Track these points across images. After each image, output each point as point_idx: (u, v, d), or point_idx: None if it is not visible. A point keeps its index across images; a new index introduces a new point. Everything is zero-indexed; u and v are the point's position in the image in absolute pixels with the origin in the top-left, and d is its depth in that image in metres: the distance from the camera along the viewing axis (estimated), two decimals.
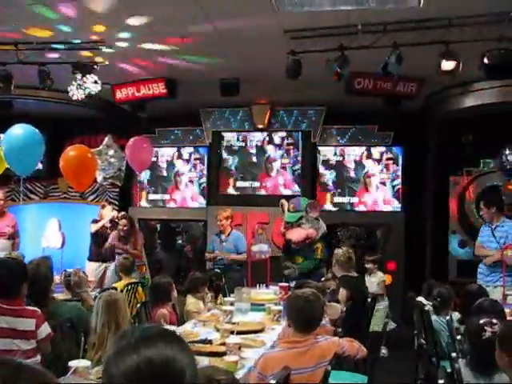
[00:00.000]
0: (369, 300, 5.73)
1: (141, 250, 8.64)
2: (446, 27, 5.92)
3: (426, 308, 5.37)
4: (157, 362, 1.31)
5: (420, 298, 5.91)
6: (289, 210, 7.66)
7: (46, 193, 11.09)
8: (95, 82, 7.31)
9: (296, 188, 10.26)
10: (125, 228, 8.27)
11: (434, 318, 5.20)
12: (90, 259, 8.92)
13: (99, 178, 7.63)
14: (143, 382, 1.29)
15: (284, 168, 10.40)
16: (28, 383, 0.82)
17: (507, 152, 7.00)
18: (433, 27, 5.95)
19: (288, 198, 8.82)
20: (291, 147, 10.38)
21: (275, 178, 10.39)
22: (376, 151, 10.21)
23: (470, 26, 5.80)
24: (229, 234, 8.03)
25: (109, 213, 8.99)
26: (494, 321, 3.44)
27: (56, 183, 10.89)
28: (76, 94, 7.33)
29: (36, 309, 3.71)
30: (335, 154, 10.35)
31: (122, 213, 8.85)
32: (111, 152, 7.65)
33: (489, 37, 5.86)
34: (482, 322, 3.45)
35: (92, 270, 8.61)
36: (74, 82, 7.31)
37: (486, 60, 6.09)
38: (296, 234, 7.43)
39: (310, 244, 7.49)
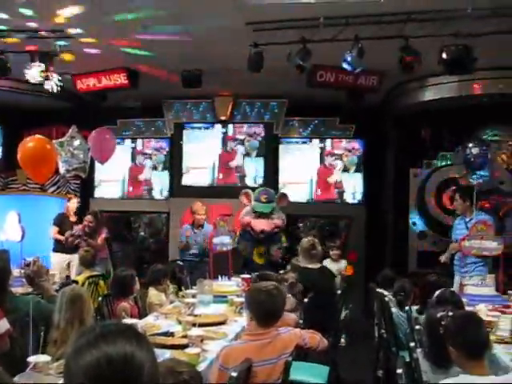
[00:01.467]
0: (339, 292, 5.78)
1: (103, 244, 8.56)
2: (406, 22, 6.00)
3: (386, 299, 5.45)
4: (116, 358, 1.33)
5: (380, 289, 6.00)
6: (260, 201, 7.72)
7: (5, 185, 10.88)
8: (58, 80, 7.23)
9: (259, 179, 10.28)
10: (90, 224, 8.19)
11: (393, 310, 5.28)
12: (54, 250, 8.81)
13: (62, 170, 7.51)
14: (102, 378, 1.32)
15: (246, 159, 10.39)
16: None
17: (471, 145, 7.13)
18: (393, 22, 6.02)
19: (251, 189, 8.85)
20: (253, 139, 10.39)
21: (238, 170, 10.39)
22: (338, 144, 10.29)
23: (428, 22, 5.89)
24: (203, 227, 8.15)
25: (74, 206, 8.92)
26: (451, 314, 3.51)
27: (15, 175, 10.68)
28: (34, 77, 7.19)
29: None
30: (297, 145, 10.40)
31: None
32: (76, 143, 7.53)
33: (446, 32, 5.97)
34: (439, 315, 3.51)
35: (57, 261, 8.52)
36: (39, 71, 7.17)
37: (444, 55, 6.20)
38: (264, 224, 7.51)
39: (276, 233, 7.62)
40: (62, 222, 8.80)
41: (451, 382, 2.79)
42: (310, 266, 6.18)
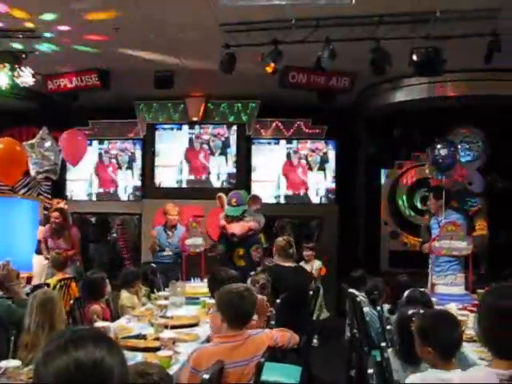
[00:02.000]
0: (311, 292, 5.80)
1: (78, 246, 8.44)
2: (377, 24, 6.06)
3: (358, 299, 5.50)
4: (85, 363, 1.34)
5: (352, 289, 6.04)
6: (231, 205, 7.69)
7: None
8: (32, 76, 7.14)
9: (231, 181, 10.28)
10: (57, 221, 8.06)
11: (366, 309, 5.33)
12: (37, 252, 8.67)
13: (33, 172, 7.41)
14: (72, 383, 1.32)
15: (219, 161, 10.39)
16: None
17: (439, 146, 7.20)
18: (364, 24, 6.08)
19: (223, 190, 8.84)
20: (226, 140, 10.39)
21: (210, 171, 10.38)
22: (309, 145, 10.34)
23: (398, 24, 5.97)
24: (176, 229, 8.08)
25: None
26: (422, 311, 3.56)
27: None
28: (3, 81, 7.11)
29: None
30: (269, 146, 10.42)
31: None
32: (47, 145, 7.44)
33: (417, 35, 6.05)
34: (410, 312, 3.56)
35: (39, 263, 8.38)
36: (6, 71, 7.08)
37: (414, 57, 6.27)
38: (238, 228, 7.50)
39: (252, 235, 7.61)
40: (46, 223, 8.64)
41: (420, 377, 2.83)
42: (285, 264, 6.16)
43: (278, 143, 10.39)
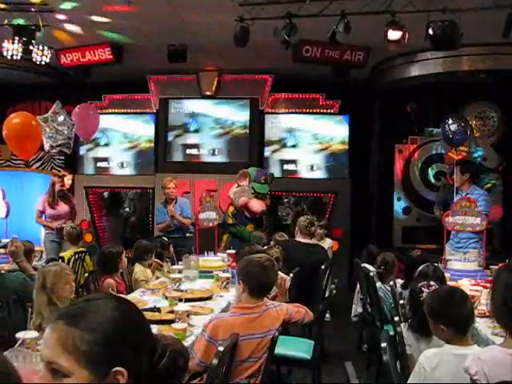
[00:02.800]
0: (323, 267, 5.80)
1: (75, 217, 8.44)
2: None
3: (371, 274, 5.51)
4: None
5: (365, 265, 6.06)
6: (260, 182, 7.72)
7: None
8: (42, 52, 7.16)
9: (244, 155, 10.26)
10: (58, 186, 8.06)
11: (378, 284, 5.34)
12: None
13: (46, 146, 7.41)
14: None
15: (232, 135, 10.37)
16: None
17: (450, 122, 7.13)
18: None
19: (235, 165, 8.84)
20: (238, 114, 10.35)
21: (223, 146, 10.37)
22: (323, 119, 10.28)
23: None
24: (176, 202, 7.98)
25: (69, 182, 8.79)
26: (432, 283, 3.58)
27: None
28: (12, 52, 7.12)
29: None
30: (282, 121, 10.38)
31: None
32: (60, 119, 7.43)
33: (433, 8, 5.96)
34: (419, 284, 3.59)
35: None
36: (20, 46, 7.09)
37: (430, 31, 6.19)
38: (260, 205, 7.55)
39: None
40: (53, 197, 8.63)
41: (436, 352, 2.85)
42: (301, 241, 6.23)
43: (291, 117, 10.34)
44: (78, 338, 1.28)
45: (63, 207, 8.14)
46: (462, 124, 7.20)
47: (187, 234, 7.85)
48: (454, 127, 7.10)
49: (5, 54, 7.24)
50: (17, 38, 7.11)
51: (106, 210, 11.22)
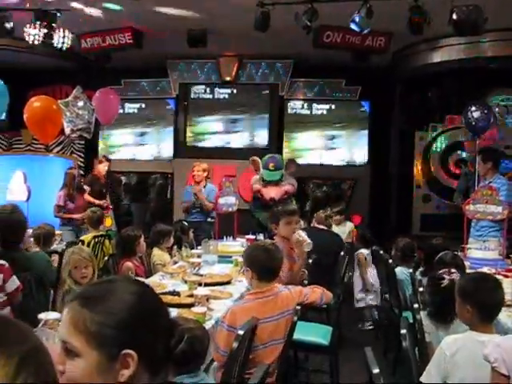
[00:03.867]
0: (342, 253, 5.79)
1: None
2: None
3: (390, 261, 5.49)
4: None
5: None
6: (268, 169, 7.69)
7: (9, 145, 10.88)
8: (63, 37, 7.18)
9: (263, 141, 10.25)
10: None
11: (399, 269, 5.33)
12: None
13: (67, 131, 7.45)
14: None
15: (251, 121, 10.36)
16: (2, 337, 0.83)
17: (473, 109, 7.04)
18: None
19: (255, 151, 8.83)
20: (258, 100, 10.33)
21: (242, 131, 10.36)
22: (343, 105, 10.22)
23: None
24: (204, 187, 8.04)
25: (105, 168, 8.80)
26: (453, 270, 3.56)
27: (19, 135, 10.68)
28: (33, 36, 7.15)
29: (3, 262, 3.65)
30: (302, 107, 10.34)
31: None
32: (80, 104, 7.46)
33: None
34: (440, 271, 3.57)
35: None
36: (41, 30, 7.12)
37: (454, 16, 6.10)
38: (275, 192, 7.52)
39: (286, 199, 7.63)
40: (92, 183, 8.63)
41: (456, 338, 2.85)
42: (318, 226, 6.32)
43: (311, 103, 10.29)
44: (88, 319, 1.29)
45: (80, 200, 8.20)
46: (485, 111, 7.12)
47: (208, 219, 7.87)
48: (476, 114, 7.02)
49: (26, 38, 7.28)
50: (38, 22, 7.13)
51: (125, 195, 11.26)
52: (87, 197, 8.40)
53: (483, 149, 7.37)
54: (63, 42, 7.50)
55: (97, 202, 8.34)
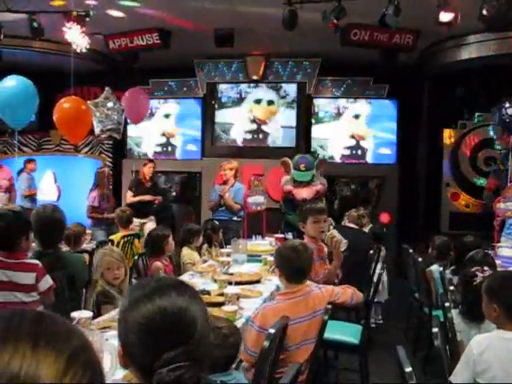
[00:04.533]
0: (371, 252, 5.77)
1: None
2: None
3: (420, 259, 5.46)
4: (170, 311, 1.38)
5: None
6: (299, 169, 7.68)
7: (39, 145, 11.04)
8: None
9: (291, 139, 10.25)
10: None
11: (434, 267, 5.31)
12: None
13: (97, 131, 7.53)
14: (156, 331, 1.37)
15: (279, 120, 10.36)
16: (52, 334, 0.85)
17: (507, 105, 6.93)
18: None
19: (283, 150, 8.83)
20: (286, 99, 10.33)
21: (270, 130, 10.37)
22: (371, 103, 10.18)
23: None
24: (232, 186, 8.07)
25: (150, 170, 8.64)
26: (486, 268, 3.53)
27: (48, 136, 10.83)
28: (74, 38, 7.24)
29: (36, 262, 3.70)
30: (330, 105, 10.32)
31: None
32: (110, 104, 7.54)
33: None
34: (473, 269, 3.54)
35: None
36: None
37: (484, 11, 6.02)
38: (307, 192, 7.51)
39: (317, 198, 7.62)
40: (136, 186, 8.56)
41: (484, 337, 2.83)
42: (348, 225, 6.36)
43: (338, 102, 10.26)
44: None
45: (112, 199, 8.30)
46: None
47: (234, 218, 7.88)
48: (510, 111, 6.91)
49: (68, 39, 7.32)
50: (74, 24, 7.19)
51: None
52: (131, 198, 8.41)
53: None
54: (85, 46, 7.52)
55: (147, 198, 8.42)
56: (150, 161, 9.04)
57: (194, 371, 1.33)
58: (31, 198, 9.11)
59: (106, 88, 7.71)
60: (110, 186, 8.56)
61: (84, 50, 7.39)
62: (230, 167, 7.97)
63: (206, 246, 6.18)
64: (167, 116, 10.90)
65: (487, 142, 9.39)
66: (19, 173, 9.28)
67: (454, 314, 3.59)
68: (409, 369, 2.23)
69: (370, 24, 7.33)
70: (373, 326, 6.55)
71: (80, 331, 0.90)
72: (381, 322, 6.77)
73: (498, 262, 5.01)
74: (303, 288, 3.47)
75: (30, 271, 3.64)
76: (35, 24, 7.24)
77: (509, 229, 6.50)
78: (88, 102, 7.51)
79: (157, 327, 1.37)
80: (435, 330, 2.92)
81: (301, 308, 3.38)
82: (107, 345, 2.52)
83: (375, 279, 5.23)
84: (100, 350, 2.35)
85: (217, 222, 7.16)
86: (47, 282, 3.68)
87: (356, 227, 6.47)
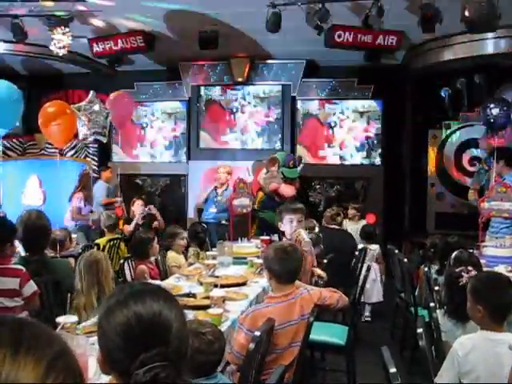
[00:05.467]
0: (357, 252, 5.78)
1: None
2: None
3: (405, 260, 5.49)
4: (145, 316, 1.40)
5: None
6: (288, 167, 7.69)
7: (24, 149, 10.96)
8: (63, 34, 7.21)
9: (276, 141, 10.26)
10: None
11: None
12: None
13: (81, 135, 7.49)
14: (133, 336, 1.39)
15: (263, 122, 10.37)
16: (31, 340, 0.85)
17: (492, 106, 6.96)
18: None
19: (268, 152, 8.83)
20: (270, 101, 10.34)
21: (255, 132, 10.38)
22: (356, 104, 10.21)
23: None
24: (226, 189, 8.12)
25: (139, 208, 8.32)
26: (470, 268, 3.55)
27: (33, 139, 10.76)
28: (56, 50, 7.22)
29: (20, 267, 3.69)
30: (315, 107, 10.34)
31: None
32: (95, 108, 7.51)
33: None
34: (458, 269, 3.56)
35: None
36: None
37: (466, 12, 6.05)
38: (290, 189, 7.52)
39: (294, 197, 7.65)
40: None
41: (469, 337, 2.85)
42: (330, 226, 6.38)
43: (323, 103, 10.29)
44: None
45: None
46: (505, 108, 7.02)
47: (223, 222, 7.91)
48: (495, 111, 6.94)
49: (53, 48, 7.30)
50: (55, 28, 7.17)
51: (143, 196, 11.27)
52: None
53: (497, 148, 7.36)
54: (62, 47, 7.48)
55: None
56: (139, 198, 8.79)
57: (169, 371, 1.35)
58: (107, 206, 8.93)
59: (91, 91, 7.67)
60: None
61: (65, 53, 7.35)
62: (226, 171, 8.08)
63: (191, 248, 6.17)
64: (153, 119, 10.88)
65: (471, 142, 9.44)
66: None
67: (440, 314, 3.61)
68: (393, 369, 2.24)
69: (353, 25, 7.35)
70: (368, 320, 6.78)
71: (60, 337, 0.90)
72: (369, 319, 6.88)
73: (482, 261, 5.03)
74: (293, 290, 3.47)
75: (13, 276, 3.62)
76: (19, 28, 7.19)
77: (492, 227, 6.54)
78: (72, 105, 7.47)
79: (133, 332, 1.39)
80: (420, 330, 2.93)
81: (291, 311, 3.38)
82: (93, 349, 2.51)
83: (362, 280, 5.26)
84: (85, 354, 2.34)
85: (205, 225, 7.19)
86: (31, 287, 3.67)
87: (336, 227, 6.48)
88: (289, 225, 4.93)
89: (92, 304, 3.73)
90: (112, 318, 1.41)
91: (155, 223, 8.33)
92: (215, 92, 10.52)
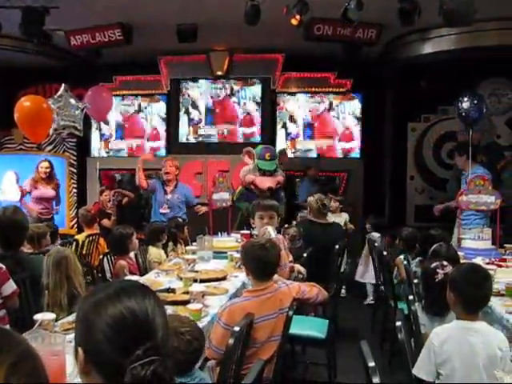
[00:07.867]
0: (337, 246, 5.76)
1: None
2: None
3: (384, 253, 5.50)
4: (138, 312, 1.39)
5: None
6: (265, 159, 7.65)
7: (1, 144, 10.83)
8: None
9: (255, 135, 10.25)
10: (47, 170, 8.09)
11: (403, 256, 5.38)
12: None
13: (51, 130, 7.38)
14: (126, 330, 1.37)
15: (243, 115, 10.34)
16: (3, 348, 0.83)
17: (464, 99, 7.01)
18: None
19: (248, 145, 8.79)
20: (250, 94, 10.32)
21: (235, 126, 10.34)
22: (335, 98, 10.22)
23: None
24: (175, 186, 7.81)
25: (108, 198, 8.67)
26: (445, 263, 3.58)
27: (10, 134, 10.63)
28: None
29: (0, 265, 3.64)
30: (294, 100, 10.33)
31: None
32: (66, 101, 7.41)
33: None
34: (433, 265, 3.59)
35: None
36: None
37: (444, 6, 6.07)
38: (270, 182, 7.48)
39: (278, 190, 7.59)
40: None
41: (444, 327, 2.89)
42: (316, 220, 6.27)
43: (303, 97, 10.28)
44: None
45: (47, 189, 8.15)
46: (476, 101, 7.06)
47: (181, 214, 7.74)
48: (467, 105, 6.98)
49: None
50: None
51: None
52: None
53: (458, 143, 7.44)
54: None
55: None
56: (107, 188, 9.06)
57: (165, 366, 1.34)
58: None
59: (63, 84, 7.55)
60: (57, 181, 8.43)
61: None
62: (175, 164, 7.83)
63: (171, 243, 6.15)
64: (130, 113, 10.79)
65: (450, 135, 9.51)
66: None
67: (418, 307, 3.64)
68: (372, 363, 2.25)
69: (333, 18, 7.34)
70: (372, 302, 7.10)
71: (24, 339, 0.88)
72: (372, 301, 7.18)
73: (461, 253, 5.09)
74: (271, 285, 3.47)
75: None
76: None
77: (464, 220, 6.61)
78: (48, 99, 7.37)
79: (126, 323, 1.37)
80: (398, 323, 2.95)
81: (268, 305, 3.38)
82: (70, 347, 2.47)
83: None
84: (63, 352, 2.31)
85: (180, 220, 7.12)
86: (11, 286, 3.61)
87: (325, 221, 6.41)
88: (259, 221, 4.95)
89: (59, 301, 3.68)
90: (103, 310, 1.39)
91: (125, 199, 8.85)
92: (194, 85, 10.46)
